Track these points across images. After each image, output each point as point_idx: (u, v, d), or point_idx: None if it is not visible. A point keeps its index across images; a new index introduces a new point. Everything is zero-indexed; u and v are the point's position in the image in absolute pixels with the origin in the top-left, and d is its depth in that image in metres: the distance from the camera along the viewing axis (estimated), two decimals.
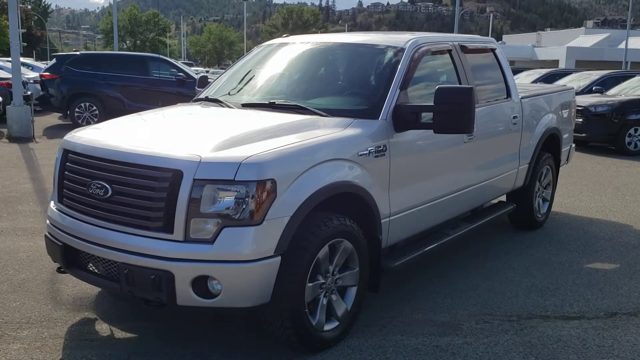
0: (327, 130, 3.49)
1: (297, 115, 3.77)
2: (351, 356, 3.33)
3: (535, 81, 17.04)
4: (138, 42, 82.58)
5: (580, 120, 11.03)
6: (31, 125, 12.02)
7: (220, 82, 4.75)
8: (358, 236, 3.41)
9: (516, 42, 71.42)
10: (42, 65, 23.82)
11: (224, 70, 5.18)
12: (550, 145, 5.99)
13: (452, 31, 37.80)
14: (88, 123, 13.02)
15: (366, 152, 3.50)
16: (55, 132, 12.99)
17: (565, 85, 8.36)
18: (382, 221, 3.67)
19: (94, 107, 13.90)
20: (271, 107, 3.95)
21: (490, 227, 5.60)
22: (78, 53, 15.93)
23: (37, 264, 4.67)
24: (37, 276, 4.43)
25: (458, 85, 4.33)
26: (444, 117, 3.60)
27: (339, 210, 3.35)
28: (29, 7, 66.73)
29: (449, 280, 4.51)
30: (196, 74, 14.08)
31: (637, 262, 5.11)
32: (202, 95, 4.62)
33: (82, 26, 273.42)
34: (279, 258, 3.00)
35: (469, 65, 4.67)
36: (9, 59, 14.54)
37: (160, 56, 16.92)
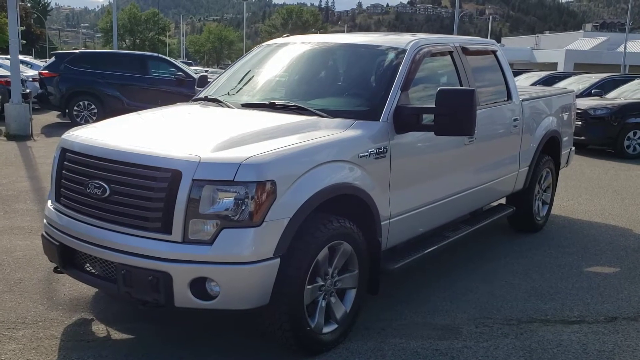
0: (327, 132, 3.47)
1: (298, 116, 3.74)
2: (350, 359, 3.30)
3: (534, 84, 17.03)
4: (137, 41, 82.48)
5: (580, 123, 11.00)
6: (29, 123, 11.98)
7: (220, 81, 4.72)
8: (358, 238, 3.39)
9: (515, 45, 71.44)
10: (41, 63, 23.78)
11: (223, 70, 5.15)
12: (550, 148, 5.98)
13: (451, 33, 37.79)
14: (87, 122, 13.00)
15: (367, 153, 3.48)
16: (54, 130, 12.96)
17: (565, 88, 8.35)
18: (382, 223, 3.64)
19: (93, 106, 13.86)
20: (271, 107, 3.92)
21: (490, 229, 5.58)
22: (77, 51, 15.89)
23: (34, 263, 4.63)
24: (34, 276, 4.39)
25: (460, 87, 4.31)
26: (445, 119, 3.58)
27: (339, 212, 3.33)
28: (29, 4, 66.65)
29: (449, 283, 4.49)
30: (195, 73, 14.06)
31: (637, 266, 5.09)
32: (202, 95, 4.59)
33: (82, 24, 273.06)
34: (278, 260, 2.97)
35: (470, 67, 4.65)
36: (8, 56, 14.49)
37: (160, 55, 16.90)
